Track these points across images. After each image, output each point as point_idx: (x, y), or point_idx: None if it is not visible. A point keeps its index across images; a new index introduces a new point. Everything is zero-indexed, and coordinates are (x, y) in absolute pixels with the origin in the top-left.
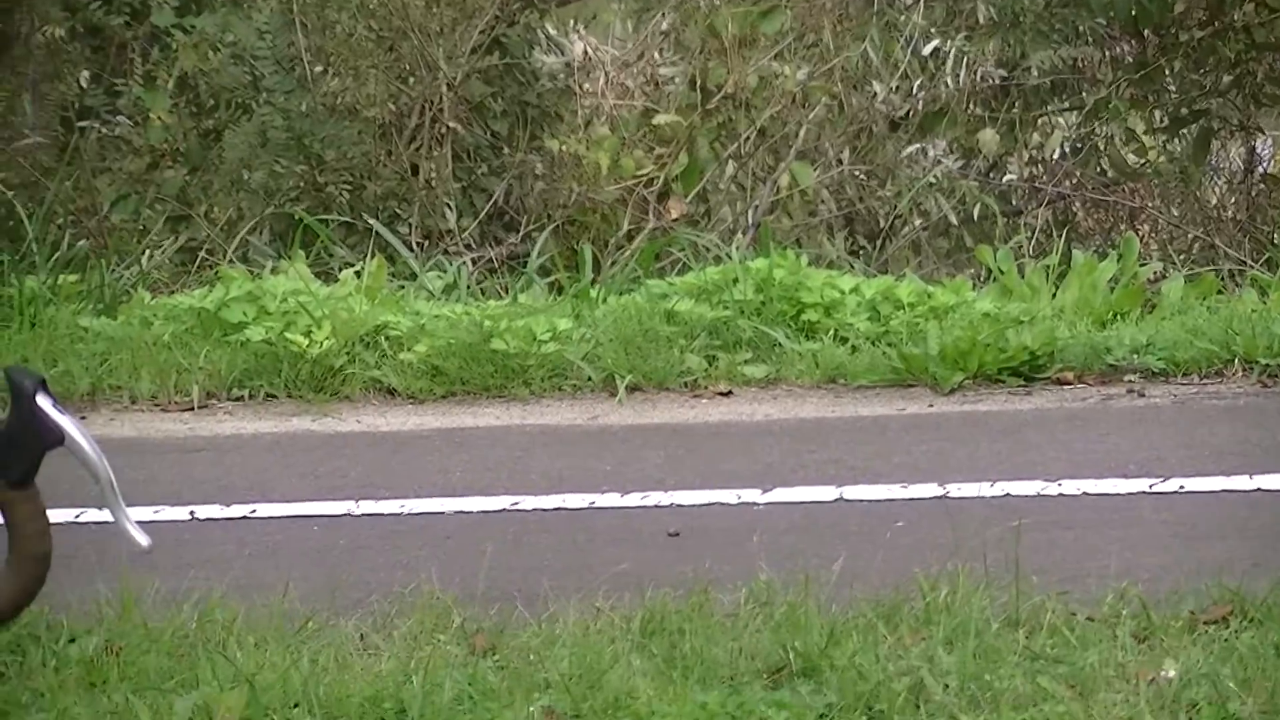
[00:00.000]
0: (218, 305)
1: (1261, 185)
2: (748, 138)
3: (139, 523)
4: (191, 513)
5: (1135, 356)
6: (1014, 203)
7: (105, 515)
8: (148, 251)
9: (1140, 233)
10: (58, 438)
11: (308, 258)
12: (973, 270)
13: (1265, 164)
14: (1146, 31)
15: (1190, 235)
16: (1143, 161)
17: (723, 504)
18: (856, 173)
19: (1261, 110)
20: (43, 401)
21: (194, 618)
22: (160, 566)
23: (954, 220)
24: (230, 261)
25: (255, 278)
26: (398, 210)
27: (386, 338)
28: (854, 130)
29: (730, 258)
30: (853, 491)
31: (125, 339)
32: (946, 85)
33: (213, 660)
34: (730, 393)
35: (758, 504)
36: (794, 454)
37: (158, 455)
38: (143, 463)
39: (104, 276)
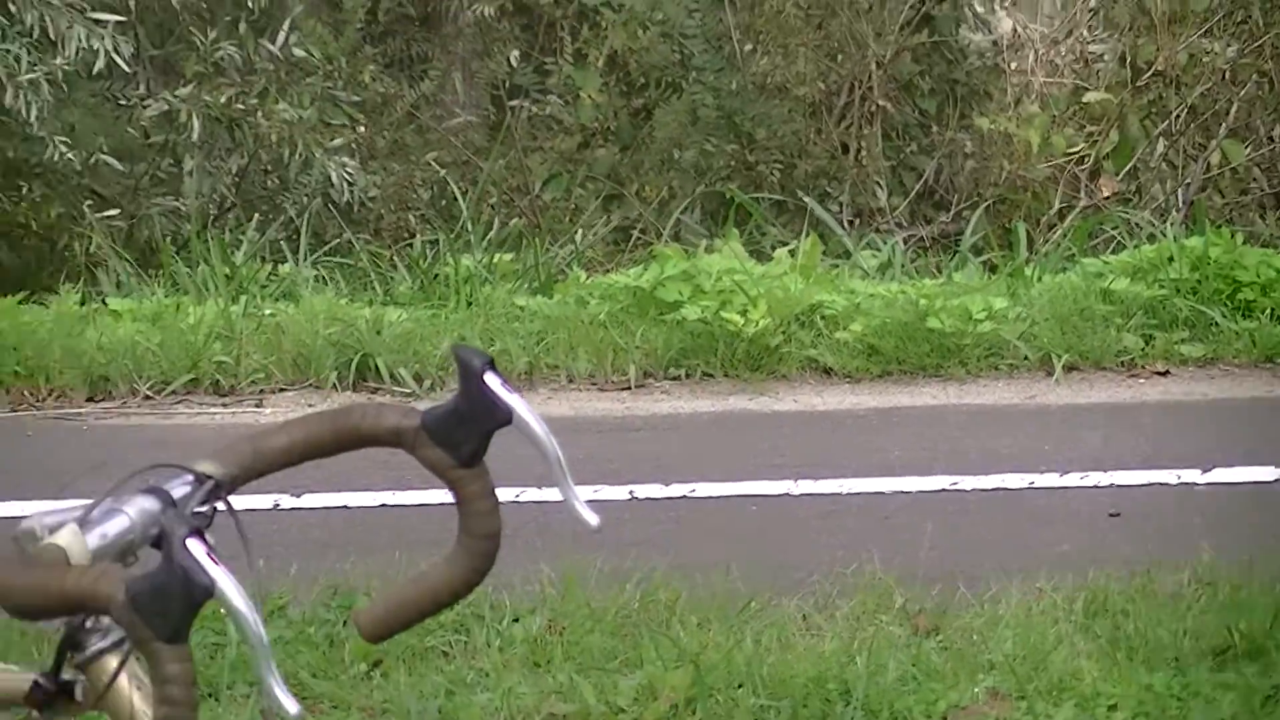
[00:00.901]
0: (653, 284)
1: None
2: (1178, 115)
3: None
4: (631, 492)
5: None
6: None
7: (547, 495)
8: (580, 230)
9: None
10: (506, 416)
11: (740, 236)
12: None
13: None
14: None
15: None
16: None
17: (1163, 484)
18: None
19: None
20: (491, 380)
21: (636, 597)
22: (601, 546)
23: None
24: (664, 240)
25: (689, 256)
26: (828, 189)
27: (822, 316)
28: None
29: (1163, 235)
30: None
31: (561, 318)
32: None
33: (656, 640)
34: (1168, 372)
35: (1198, 484)
36: (1233, 434)
37: (596, 434)
38: (581, 442)
39: (538, 255)
